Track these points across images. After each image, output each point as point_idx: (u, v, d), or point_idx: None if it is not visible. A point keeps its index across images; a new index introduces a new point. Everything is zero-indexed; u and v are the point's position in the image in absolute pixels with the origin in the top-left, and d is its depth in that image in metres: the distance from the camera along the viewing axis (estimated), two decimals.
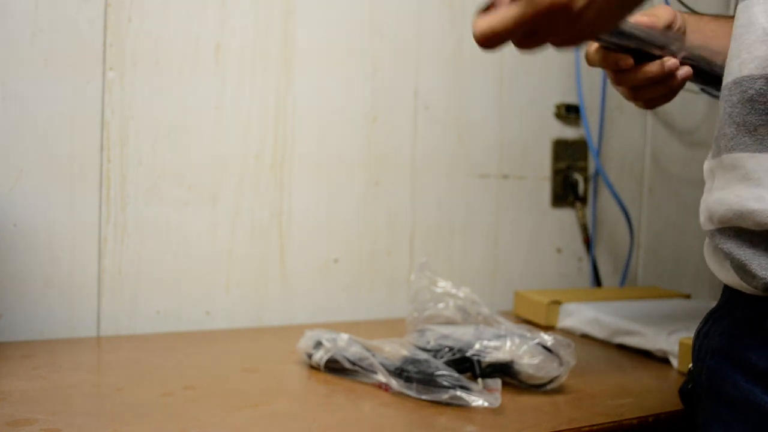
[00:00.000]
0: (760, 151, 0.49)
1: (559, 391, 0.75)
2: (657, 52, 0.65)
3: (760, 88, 0.49)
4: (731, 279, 0.53)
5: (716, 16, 0.77)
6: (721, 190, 0.53)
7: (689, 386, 0.62)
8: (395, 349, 0.77)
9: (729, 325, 0.55)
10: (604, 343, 0.97)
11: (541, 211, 1.25)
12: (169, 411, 0.65)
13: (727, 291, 0.57)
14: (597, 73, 1.27)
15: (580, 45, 0.52)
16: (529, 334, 0.76)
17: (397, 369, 0.73)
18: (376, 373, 0.74)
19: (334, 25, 1.06)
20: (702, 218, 0.56)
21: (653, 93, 0.69)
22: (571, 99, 1.26)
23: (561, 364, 0.74)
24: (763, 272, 0.49)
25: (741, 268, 0.51)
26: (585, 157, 1.28)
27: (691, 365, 0.61)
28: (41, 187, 0.89)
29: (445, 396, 0.69)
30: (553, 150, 1.25)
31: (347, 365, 0.77)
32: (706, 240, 0.57)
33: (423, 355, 0.74)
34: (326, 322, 1.03)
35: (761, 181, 0.49)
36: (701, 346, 0.59)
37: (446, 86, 1.15)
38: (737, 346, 0.52)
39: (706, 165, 0.56)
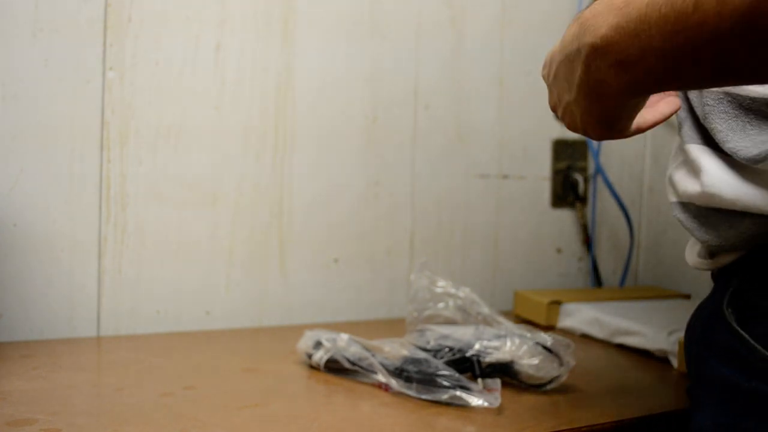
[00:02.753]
0: (693, 142, 0.55)
1: (559, 391, 0.75)
2: None
3: None
4: (694, 260, 0.58)
5: None
6: (679, 169, 0.58)
7: None
8: (395, 349, 0.77)
9: (707, 313, 0.57)
10: (604, 343, 0.97)
11: (541, 211, 1.25)
12: (169, 411, 0.65)
13: (713, 283, 0.60)
14: None
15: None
16: (529, 334, 0.76)
17: (397, 369, 0.73)
18: (376, 373, 0.74)
19: (334, 26, 1.06)
20: (668, 190, 0.60)
21: None
22: None
23: (561, 364, 0.74)
24: (704, 236, 0.54)
25: (695, 242, 0.56)
26: (585, 157, 1.28)
27: None
28: (41, 187, 0.89)
29: (445, 396, 0.69)
30: (553, 150, 1.25)
31: (347, 365, 0.77)
32: None
33: (423, 355, 0.74)
34: (326, 322, 1.03)
35: (701, 167, 0.54)
36: (689, 338, 0.61)
37: (446, 86, 1.15)
38: (710, 331, 0.55)
39: (677, 141, 0.60)
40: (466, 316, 0.86)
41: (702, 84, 0.46)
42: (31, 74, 0.87)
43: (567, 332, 1.02)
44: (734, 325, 0.50)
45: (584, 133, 0.53)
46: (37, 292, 0.89)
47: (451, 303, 0.86)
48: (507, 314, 0.98)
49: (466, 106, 1.17)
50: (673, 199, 0.60)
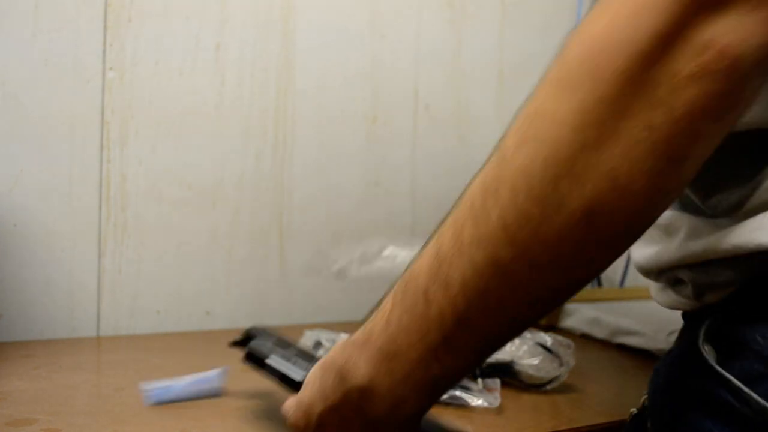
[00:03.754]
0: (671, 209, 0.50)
1: (559, 391, 0.75)
2: None
3: None
4: (675, 299, 0.50)
5: None
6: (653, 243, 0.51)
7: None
8: None
9: (674, 356, 0.49)
10: (604, 343, 0.97)
11: None
12: (169, 411, 0.65)
13: (684, 322, 0.53)
14: None
15: None
16: (528, 334, 0.76)
17: None
18: None
19: (334, 26, 1.06)
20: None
21: None
22: None
23: (561, 364, 0.74)
24: (702, 278, 0.46)
25: (675, 280, 0.49)
26: None
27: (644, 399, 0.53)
28: (41, 187, 0.89)
29: (444, 396, 0.69)
30: None
31: None
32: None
33: None
34: (326, 322, 1.03)
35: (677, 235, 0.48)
36: (655, 386, 0.51)
37: (446, 86, 1.15)
38: (675, 374, 0.47)
39: None
40: None
41: (475, 362, 0.42)
42: (31, 74, 0.87)
43: (567, 332, 1.02)
44: (718, 368, 0.40)
45: None
46: (37, 292, 0.89)
47: None
48: None
49: (466, 106, 1.17)
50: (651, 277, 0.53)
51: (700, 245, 0.46)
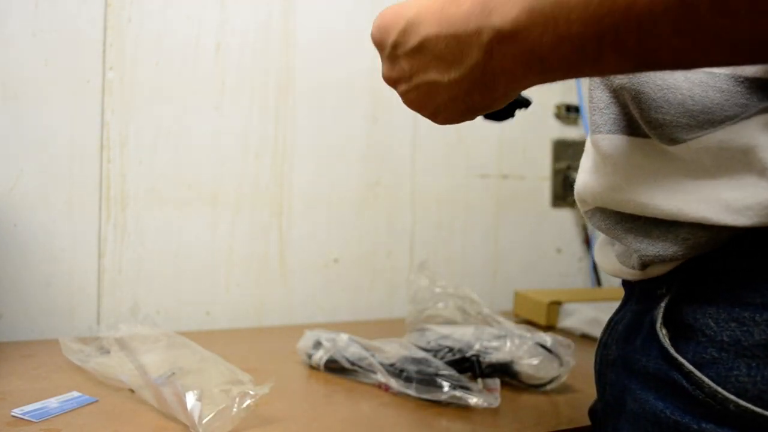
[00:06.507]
0: (612, 132, 0.46)
1: (559, 391, 0.75)
2: None
3: None
4: (618, 268, 0.50)
5: None
6: (595, 170, 0.49)
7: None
8: (395, 349, 0.77)
9: (623, 329, 0.50)
10: None
11: (541, 211, 1.25)
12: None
13: (625, 291, 0.54)
14: None
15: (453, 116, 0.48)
16: (529, 335, 0.76)
17: (397, 369, 0.73)
18: (375, 373, 0.74)
19: (335, 24, 1.06)
20: (581, 197, 0.52)
21: None
22: (571, 99, 1.26)
23: (561, 364, 0.74)
24: (638, 246, 0.46)
25: (618, 249, 0.49)
26: None
27: None
28: (41, 187, 0.89)
29: (444, 396, 0.69)
30: (553, 150, 1.25)
31: (347, 365, 0.77)
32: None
33: (423, 355, 0.74)
34: (326, 322, 1.03)
35: (617, 166, 0.46)
36: (602, 358, 0.53)
37: None
38: (630, 350, 0.47)
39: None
40: (466, 316, 0.86)
41: (619, 72, 0.40)
42: (31, 74, 0.87)
43: (567, 332, 1.02)
44: (673, 352, 0.42)
45: (433, 117, 0.47)
46: (37, 292, 0.89)
47: (451, 303, 0.86)
48: (507, 314, 0.98)
49: None
50: (587, 207, 0.51)
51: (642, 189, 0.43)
